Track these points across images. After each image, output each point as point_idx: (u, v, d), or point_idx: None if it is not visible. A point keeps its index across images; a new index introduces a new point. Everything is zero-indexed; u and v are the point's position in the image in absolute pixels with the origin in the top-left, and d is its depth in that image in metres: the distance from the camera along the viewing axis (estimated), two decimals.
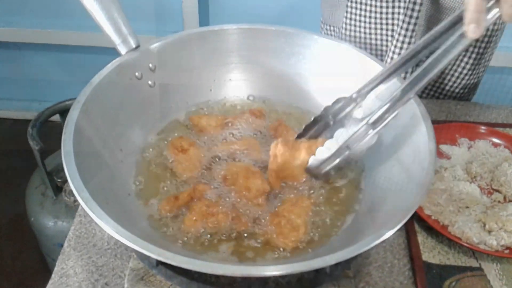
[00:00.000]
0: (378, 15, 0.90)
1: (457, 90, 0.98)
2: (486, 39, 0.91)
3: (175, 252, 0.45)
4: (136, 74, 0.70)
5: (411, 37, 0.87)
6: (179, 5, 1.69)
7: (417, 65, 0.60)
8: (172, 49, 0.74)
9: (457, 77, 0.96)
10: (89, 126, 0.61)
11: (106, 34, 0.66)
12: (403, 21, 0.86)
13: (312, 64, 0.76)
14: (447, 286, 0.63)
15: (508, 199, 0.74)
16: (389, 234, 0.48)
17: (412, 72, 0.90)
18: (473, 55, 0.93)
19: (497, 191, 0.75)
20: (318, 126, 0.67)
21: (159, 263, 0.55)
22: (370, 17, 0.91)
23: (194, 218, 0.59)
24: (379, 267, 0.66)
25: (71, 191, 1.15)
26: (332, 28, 1.00)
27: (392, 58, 0.90)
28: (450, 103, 0.97)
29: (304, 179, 0.65)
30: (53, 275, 0.63)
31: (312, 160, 0.62)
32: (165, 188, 0.65)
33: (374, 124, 0.59)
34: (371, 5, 0.90)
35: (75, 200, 1.18)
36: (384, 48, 0.94)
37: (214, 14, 1.79)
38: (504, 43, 1.55)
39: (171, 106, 0.75)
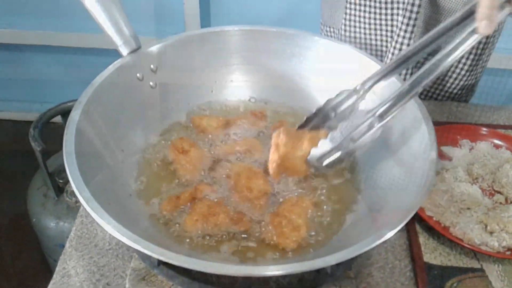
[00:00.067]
0: (377, 16, 0.91)
1: (455, 91, 0.98)
2: (484, 39, 0.92)
3: (176, 252, 0.46)
4: (138, 75, 0.70)
5: (410, 38, 0.87)
6: (180, 6, 1.69)
7: (425, 59, 0.60)
8: (173, 50, 0.74)
9: (455, 78, 0.96)
10: (91, 127, 0.61)
11: (108, 35, 0.66)
12: (402, 23, 0.86)
13: (313, 65, 0.77)
14: (449, 287, 0.63)
15: (510, 200, 0.74)
16: (390, 234, 0.48)
17: (419, 66, 0.91)
18: (471, 56, 0.93)
19: (499, 192, 0.75)
20: (318, 118, 0.67)
21: (161, 263, 0.55)
22: (369, 18, 0.92)
23: (195, 218, 0.59)
24: (380, 267, 0.66)
25: (72, 191, 1.15)
26: (331, 29, 1.00)
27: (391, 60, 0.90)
28: (451, 104, 0.97)
29: (304, 172, 0.64)
30: (54, 275, 0.63)
31: (314, 152, 0.61)
32: (167, 189, 0.65)
33: (381, 116, 0.58)
34: (370, 7, 0.90)
35: (77, 201, 1.18)
36: (383, 49, 0.94)
37: (215, 15, 1.79)
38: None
39: (172, 107, 0.76)
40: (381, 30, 0.92)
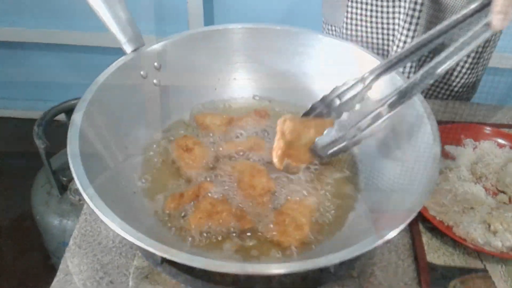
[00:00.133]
0: (379, 15, 0.90)
1: (456, 89, 0.98)
2: None
3: (179, 250, 0.46)
4: (141, 73, 0.70)
5: (412, 37, 0.87)
6: (184, 4, 1.69)
7: (434, 51, 0.60)
8: (177, 49, 0.74)
9: (456, 76, 0.96)
10: (95, 124, 0.61)
11: (112, 33, 0.66)
12: (405, 21, 0.86)
13: (317, 63, 0.77)
14: (452, 287, 0.63)
15: None
16: (393, 233, 0.48)
17: (421, 64, 0.91)
18: (472, 54, 0.93)
19: (502, 192, 0.75)
20: (323, 105, 0.67)
21: (164, 261, 0.55)
22: (371, 16, 0.91)
23: (199, 216, 0.59)
24: (383, 267, 0.66)
25: (76, 189, 1.16)
26: (333, 28, 1.00)
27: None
28: (454, 103, 0.96)
29: (307, 160, 0.64)
30: (58, 273, 0.63)
31: (320, 140, 0.61)
32: (170, 186, 0.65)
33: (391, 106, 0.58)
34: (372, 5, 0.90)
35: (80, 199, 1.18)
36: (385, 47, 0.94)
37: (219, 13, 1.79)
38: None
39: (176, 105, 0.76)
40: (382, 28, 0.92)
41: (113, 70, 0.66)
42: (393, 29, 0.91)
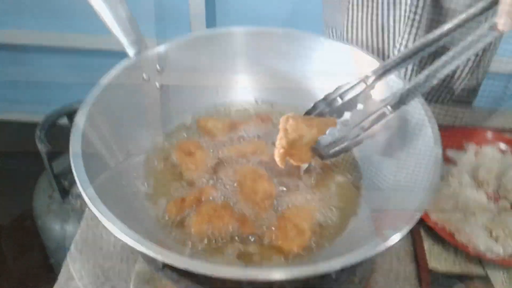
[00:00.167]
0: (379, 18, 0.90)
1: (456, 93, 0.98)
2: None
3: (181, 255, 0.45)
4: (144, 75, 0.70)
5: (413, 41, 0.87)
6: (185, 7, 1.69)
7: (437, 52, 0.60)
8: (179, 51, 0.74)
9: (457, 79, 0.96)
10: (97, 127, 0.61)
11: (114, 35, 0.66)
12: (406, 25, 0.86)
13: (319, 66, 0.76)
14: None
15: None
16: (395, 239, 0.48)
17: (423, 65, 0.91)
18: (472, 57, 0.93)
19: (504, 198, 0.75)
20: (326, 104, 0.67)
21: (165, 266, 0.55)
22: (371, 20, 0.91)
23: (201, 220, 0.59)
24: (385, 273, 0.65)
25: (78, 194, 1.15)
26: (334, 30, 1.00)
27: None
28: (456, 108, 0.96)
29: (308, 159, 0.64)
30: (59, 278, 0.63)
31: (322, 139, 0.60)
32: (172, 191, 0.65)
33: (394, 106, 0.58)
34: (372, 8, 0.90)
35: (82, 204, 1.18)
36: (386, 51, 0.94)
37: (221, 16, 1.79)
38: None
39: (178, 108, 0.75)
40: (383, 32, 0.92)
41: (116, 72, 0.66)
42: (394, 33, 0.91)
